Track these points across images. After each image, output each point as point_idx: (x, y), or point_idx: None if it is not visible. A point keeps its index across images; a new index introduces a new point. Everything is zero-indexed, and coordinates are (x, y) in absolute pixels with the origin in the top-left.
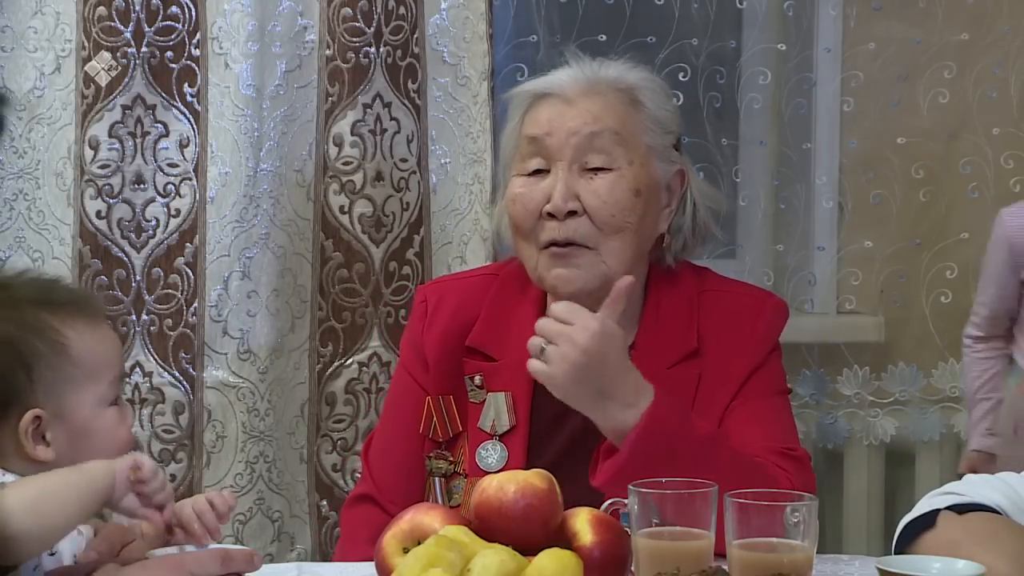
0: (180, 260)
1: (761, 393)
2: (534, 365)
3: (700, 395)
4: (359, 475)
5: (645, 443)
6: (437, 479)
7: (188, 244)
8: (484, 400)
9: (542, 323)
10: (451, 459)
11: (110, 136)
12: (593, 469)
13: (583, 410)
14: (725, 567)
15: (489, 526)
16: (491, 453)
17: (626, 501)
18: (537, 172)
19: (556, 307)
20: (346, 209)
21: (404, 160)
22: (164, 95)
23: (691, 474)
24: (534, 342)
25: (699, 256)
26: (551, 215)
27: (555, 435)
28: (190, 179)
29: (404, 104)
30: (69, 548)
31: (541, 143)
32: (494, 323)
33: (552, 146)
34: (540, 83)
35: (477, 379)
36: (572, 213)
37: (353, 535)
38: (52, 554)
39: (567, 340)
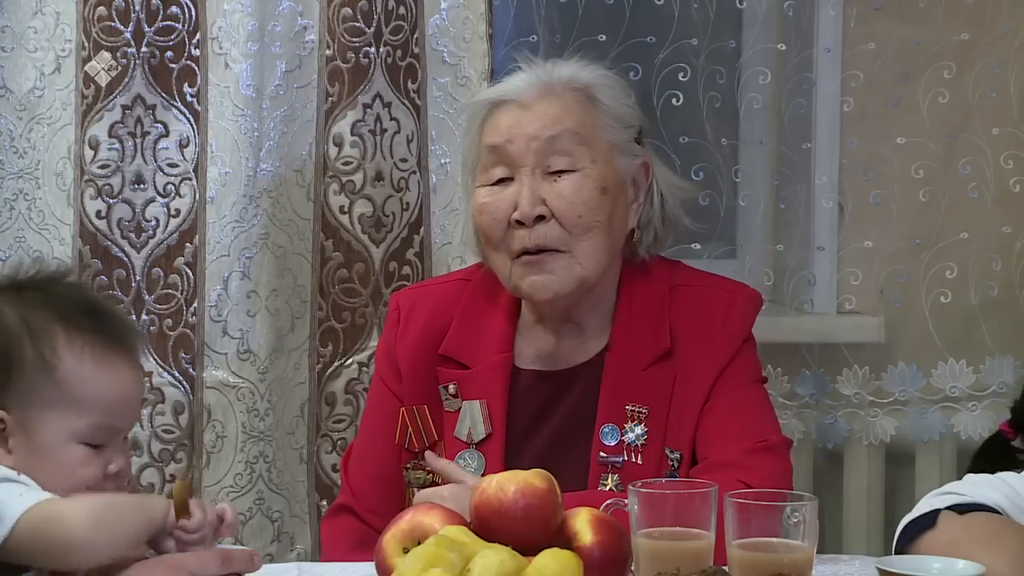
0: (180, 260)
1: (735, 386)
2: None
3: (675, 396)
4: (340, 485)
5: None
6: (416, 490)
7: (188, 244)
8: (459, 409)
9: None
10: (428, 469)
11: (110, 136)
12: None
13: None
14: (725, 567)
15: (489, 526)
16: (468, 462)
17: (626, 501)
18: (501, 181)
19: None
20: (346, 209)
21: (404, 160)
22: (164, 95)
23: None
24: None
25: (691, 252)
26: (519, 223)
27: (531, 441)
28: (190, 179)
29: (404, 104)
30: None
31: (502, 151)
32: (466, 330)
33: (514, 153)
34: (495, 91)
35: (451, 388)
36: (540, 218)
37: (333, 546)
38: None
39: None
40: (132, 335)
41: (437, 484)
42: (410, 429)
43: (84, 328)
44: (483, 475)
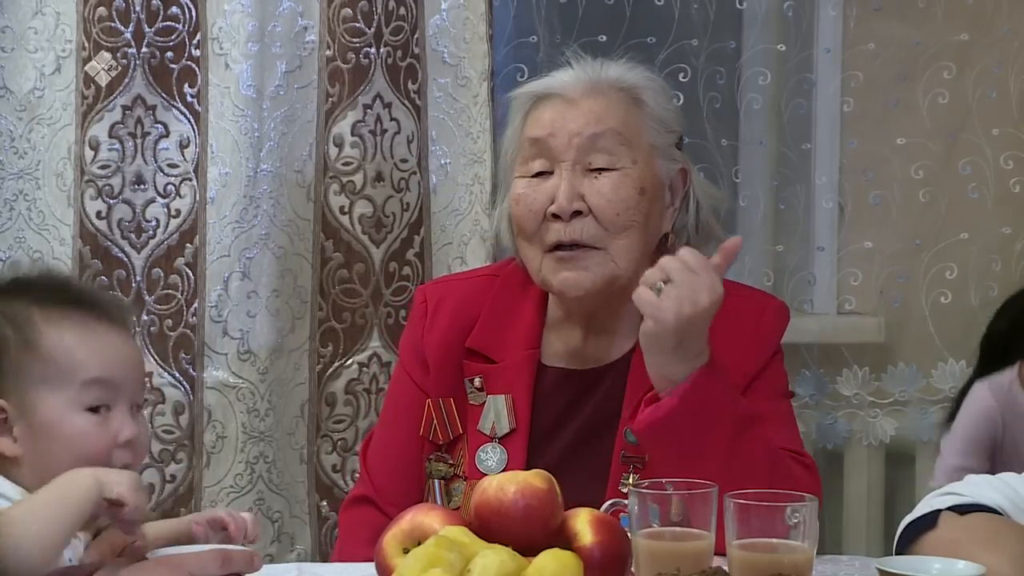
0: (180, 260)
1: (765, 397)
2: (645, 295)
3: None
4: (358, 476)
5: (691, 398)
6: (437, 481)
7: (188, 244)
8: (484, 402)
9: (667, 261)
10: (451, 461)
11: (110, 136)
12: (634, 416)
13: (650, 352)
14: (725, 567)
15: (489, 526)
16: (491, 456)
17: (626, 502)
18: (540, 174)
19: (685, 252)
20: (346, 210)
21: (404, 161)
22: (164, 95)
23: (723, 448)
24: (652, 275)
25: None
26: (556, 216)
27: (555, 438)
28: (190, 179)
29: (404, 105)
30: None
31: (544, 144)
32: (494, 324)
33: (555, 147)
34: (541, 84)
35: (477, 381)
36: (577, 213)
37: (352, 536)
38: None
39: (690, 289)
40: (113, 306)
41: (459, 477)
42: (435, 421)
43: (60, 302)
44: (505, 469)
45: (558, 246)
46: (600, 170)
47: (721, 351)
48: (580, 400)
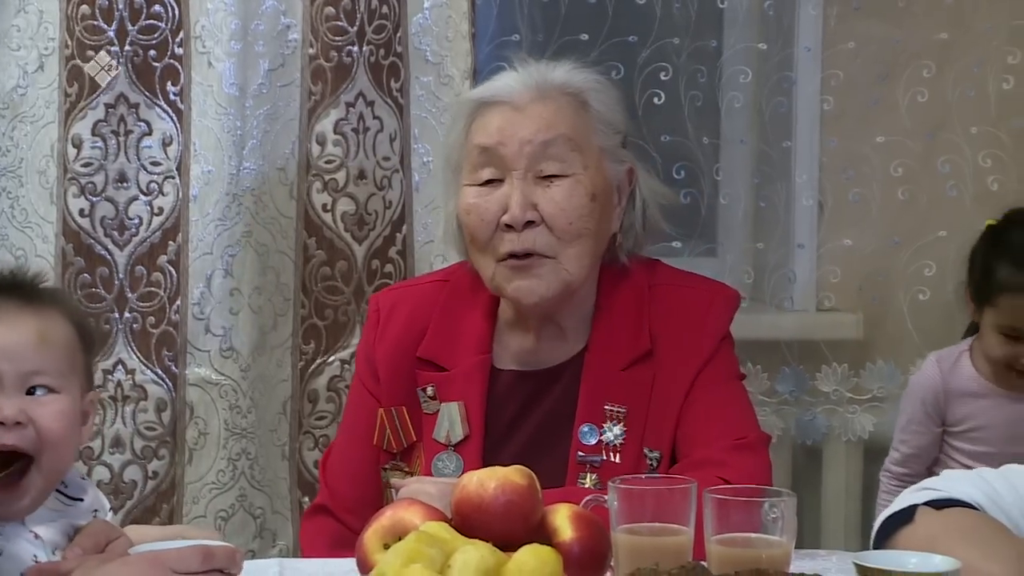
0: (163, 258)
1: (713, 384)
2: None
3: (655, 395)
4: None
5: None
6: (395, 490)
7: (171, 242)
8: (438, 411)
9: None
10: (407, 470)
11: (93, 134)
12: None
13: None
14: (704, 563)
15: (470, 522)
16: (447, 464)
17: (605, 497)
18: (490, 182)
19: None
20: (329, 207)
21: (387, 158)
22: (147, 93)
23: None
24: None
25: (672, 250)
26: (509, 226)
27: (510, 441)
28: (173, 177)
29: (387, 103)
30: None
31: (494, 153)
32: (444, 332)
33: (506, 156)
34: (486, 90)
35: (429, 390)
36: (530, 223)
37: (311, 546)
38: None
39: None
40: (16, 292)
41: None
42: (388, 430)
43: None
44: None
45: (511, 255)
46: (552, 177)
47: (670, 341)
48: (534, 402)
